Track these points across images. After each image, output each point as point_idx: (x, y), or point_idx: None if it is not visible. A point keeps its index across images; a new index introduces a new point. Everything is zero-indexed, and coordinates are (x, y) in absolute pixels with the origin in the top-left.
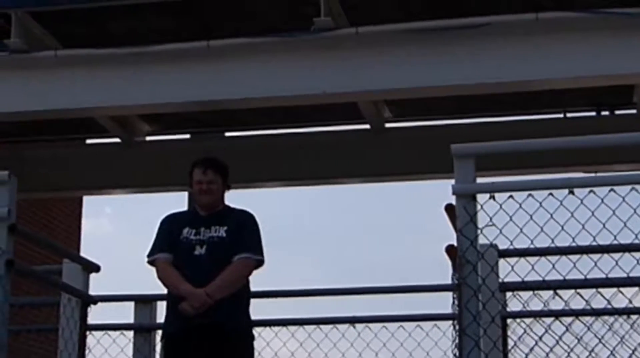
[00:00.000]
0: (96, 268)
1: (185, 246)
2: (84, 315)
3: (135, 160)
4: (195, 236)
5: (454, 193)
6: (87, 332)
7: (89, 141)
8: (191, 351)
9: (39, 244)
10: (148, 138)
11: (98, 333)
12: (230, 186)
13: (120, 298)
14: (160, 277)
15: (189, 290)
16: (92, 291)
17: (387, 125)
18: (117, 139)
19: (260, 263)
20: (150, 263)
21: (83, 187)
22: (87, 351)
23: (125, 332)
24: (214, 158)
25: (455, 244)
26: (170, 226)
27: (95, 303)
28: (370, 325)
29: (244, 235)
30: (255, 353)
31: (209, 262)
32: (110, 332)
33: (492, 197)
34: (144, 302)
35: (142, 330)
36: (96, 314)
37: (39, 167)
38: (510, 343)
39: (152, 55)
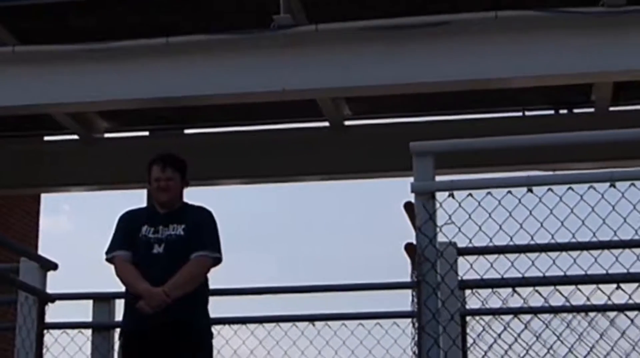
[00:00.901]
0: (54, 266)
1: (144, 245)
2: (41, 314)
3: (94, 157)
4: (154, 235)
5: (413, 191)
6: (45, 331)
7: (46, 138)
8: (149, 349)
9: None
10: (106, 135)
11: (56, 332)
12: (188, 182)
13: (78, 296)
14: (118, 275)
15: (146, 288)
16: (50, 289)
17: (347, 123)
18: (76, 136)
19: (217, 260)
20: (109, 260)
21: (41, 184)
22: (44, 350)
23: (83, 331)
24: (172, 155)
25: (414, 242)
26: (129, 223)
27: (52, 301)
28: (329, 322)
29: (202, 233)
30: (215, 352)
31: (168, 260)
32: (68, 331)
33: (451, 195)
34: (102, 300)
35: (100, 328)
36: (54, 313)
37: None
38: (470, 340)
39: (111, 51)
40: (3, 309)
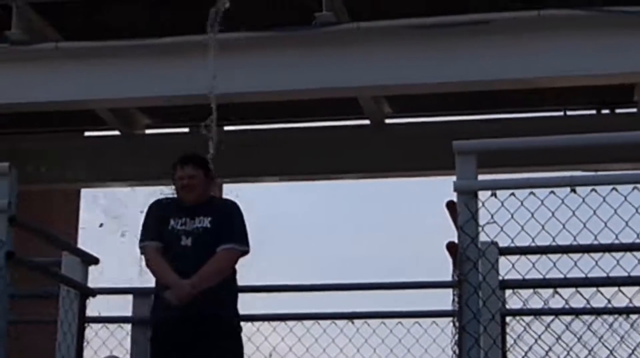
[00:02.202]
0: (95, 261)
1: (172, 236)
2: (82, 308)
3: (134, 153)
4: (182, 227)
5: (455, 190)
6: (86, 325)
7: (87, 133)
8: (177, 340)
9: (38, 236)
10: (147, 131)
11: (96, 326)
12: (214, 177)
13: (118, 290)
14: (148, 265)
15: (175, 280)
16: (91, 283)
17: (387, 121)
18: (117, 132)
19: (244, 252)
20: (141, 249)
21: (81, 179)
22: (85, 343)
23: (123, 325)
24: (192, 153)
25: (456, 241)
26: (158, 213)
27: (94, 295)
28: (368, 321)
29: (228, 225)
30: (253, 348)
31: (195, 253)
32: (109, 325)
33: (494, 194)
34: (142, 295)
35: (139, 322)
36: (95, 306)
37: (37, 159)
38: (510, 341)
39: (153, 48)
40: (45, 303)
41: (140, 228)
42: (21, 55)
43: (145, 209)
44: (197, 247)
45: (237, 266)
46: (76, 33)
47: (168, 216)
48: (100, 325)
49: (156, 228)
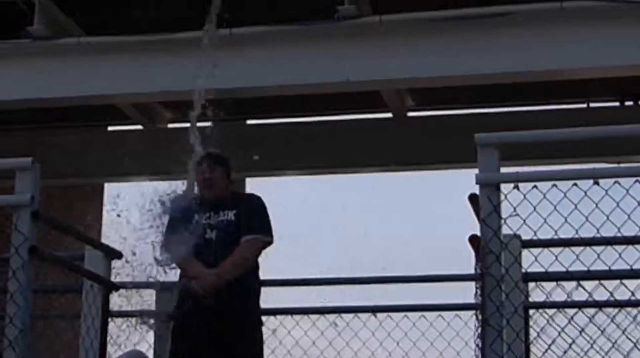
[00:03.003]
0: (118, 255)
1: (197, 230)
2: (106, 302)
3: (157, 147)
4: (206, 220)
5: (477, 183)
6: (109, 319)
7: (110, 128)
8: (199, 332)
9: (61, 230)
10: (170, 125)
11: (119, 320)
12: (233, 180)
13: (141, 285)
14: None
15: (199, 270)
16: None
17: (410, 114)
18: (139, 126)
19: (268, 243)
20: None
21: (104, 174)
22: (108, 337)
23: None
24: (214, 152)
25: (478, 234)
26: (182, 207)
27: (117, 289)
28: (391, 314)
29: (253, 217)
30: (276, 342)
31: (220, 245)
32: (132, 319)
33: (516, 187)
34: (165, 289)
35: (163, 317)
36: (118, 301)
37: (60, 154)
38: (533, 334)
39: (175, 42)
40: (68, 297)
41: (166, 222)
42: (44, 50)
43: (169, 203)
44: (221, 239)
45: (260, 261)
46: (98, 28)
47: (192, 210)
48: (123, 319)
49: (180, 222)
